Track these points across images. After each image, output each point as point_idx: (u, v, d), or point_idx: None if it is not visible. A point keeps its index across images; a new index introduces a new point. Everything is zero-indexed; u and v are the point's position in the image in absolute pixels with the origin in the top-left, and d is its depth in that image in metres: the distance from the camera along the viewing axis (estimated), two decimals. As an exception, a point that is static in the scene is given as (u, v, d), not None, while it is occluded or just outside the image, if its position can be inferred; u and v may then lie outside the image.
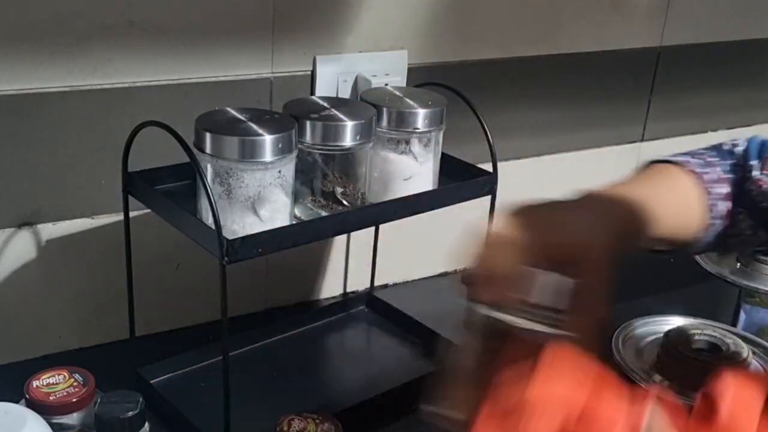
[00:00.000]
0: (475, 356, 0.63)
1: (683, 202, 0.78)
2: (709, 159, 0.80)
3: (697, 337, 0.99)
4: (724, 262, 1.31)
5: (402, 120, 0.92)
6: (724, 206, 0.78)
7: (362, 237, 1.14)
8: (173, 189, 0.91)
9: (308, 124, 0.86)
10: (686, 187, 0.78)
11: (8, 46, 0.87)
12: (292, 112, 0.87)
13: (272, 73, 1.03)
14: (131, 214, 0.90)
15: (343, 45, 1.07)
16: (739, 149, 0.80)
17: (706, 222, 0.77)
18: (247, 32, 1.00)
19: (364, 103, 0.94)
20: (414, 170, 0.94)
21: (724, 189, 0.78)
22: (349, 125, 0.86)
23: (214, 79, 0.99)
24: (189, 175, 0.86)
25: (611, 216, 0.68)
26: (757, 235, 0.78)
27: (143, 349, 0.94)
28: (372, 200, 0.92)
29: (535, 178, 1.34)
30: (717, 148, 0.82)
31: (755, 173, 0.77)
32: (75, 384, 0.79)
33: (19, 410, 0.72)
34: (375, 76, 1.08)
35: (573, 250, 0.62)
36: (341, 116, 0.87)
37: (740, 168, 0.78)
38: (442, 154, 0.98)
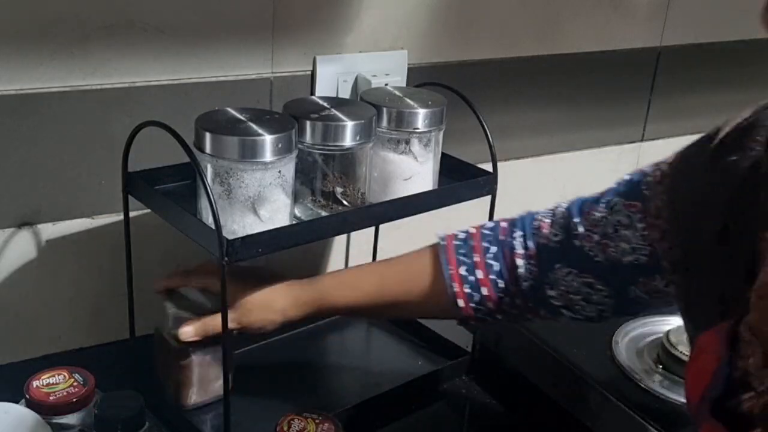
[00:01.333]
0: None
1: (412, 277, 0.87)
2: (478, 232, 0.85)
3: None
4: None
5: (402, 120, 0.92)
6: (495, 272, 0.83)
7: (362, 237, 1.14)
8: (173, 189, 0.91)
9: (308, 124, 0.86)
10: (422, 262, 0.86)
11: (8, 46, 0.87)
12: (292, 112, 0.87)
13: (272, 73, 1.03)
14: (131, 214, 0.90)
15: (343, 45, 1.07)
16: (561, 209, 0.83)
17: (449, 290, 0.83)
18: (247, 32, 1.00)
19: (364, 103, 0.94)
20: (414, 170, 0.94)
21: (479, 258, 0.83)
22: (349, 125, 0.86)
23: (214, 79, 0.99)
24: (189, 175, 0.86)
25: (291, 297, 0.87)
26: (595, 292, 0.78)
27: (143, 349, 0.94)
28: (372, 200, 0.92)
29: (535, 178, 1.34)
30: (511, 220, 0.86)
31: (580, 230, 0.78)
32: (75, 384, 0.79)
33: (19, 410, 0.72)
34: (375, 76, 1.08)
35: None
36: (341, 116, 0.87)
37: (565, 228, 0.80)
38: (442, 154, 0.98)
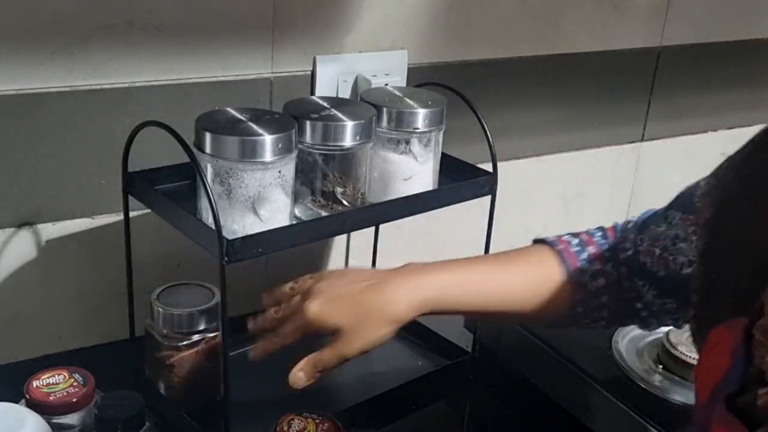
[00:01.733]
0: None
1: (540, 280, 0.83)
2: (591, 239, 0.85)
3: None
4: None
5: (402, 120, 0.92)
6: (603, 281, 0.83)
7: (362, 237, 1.14)
8: (173, 189, 0.91)
9: (308, 124, 0.85)
10: (547, 265, 0.84)
11: (8, 46, 0.87)
12: (292, 112, 0.87)
13: (272, 73, 1.03)
14: (131, 214, 0.90)
15: (343, 45, 1.07)
16: (629, 225, 0.85)
17: (572, 297, 0.82)
18: (247, 32, 1.00)
19: (364, 103, 0.94)
20: (414, 170, 0.94)
21: (600, 266, 0.83)
22: (349, 125, 0.86)
23: (214, 79, 0.99)
24: (189, 175, 0.86)
25: (414, 288, 0.79)
26: (666, 303, 0.81)
27: (143, 349, 0.94)
28: (372, 200, 0.92)
29: (535, 178, 1.34)
30: (603, 229, 0.87)
31: (641, 246, 0.81)
32: (75, 384, 0.79)
33: (19, 410, 0.72)
34: (375, 76, 1.08)
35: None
36: (341, 116, 0.87)
37: (630, 243, 0.82)
38: (442, 154, 0.98)
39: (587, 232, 0.87)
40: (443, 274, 0.82)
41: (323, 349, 0.79)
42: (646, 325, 0.85)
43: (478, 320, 1.00)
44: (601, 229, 0.87)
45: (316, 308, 0.79)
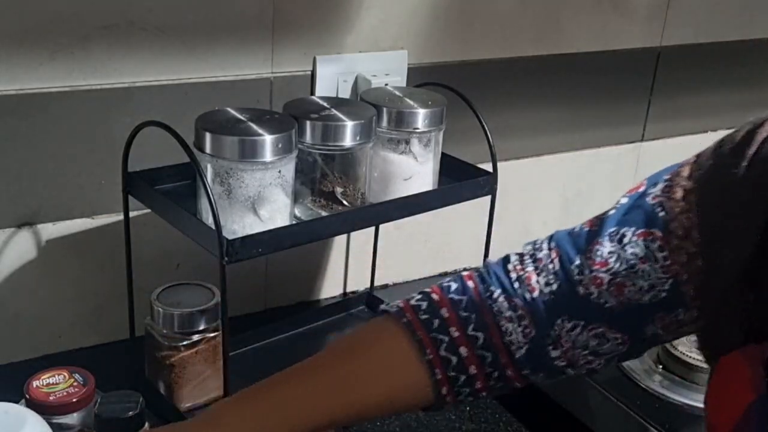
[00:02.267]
0: None
1: (386, 373, 0.68)
2: (445, 298, 0.69)
3: (696, 337, 0.99)
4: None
5: (402, 120, 0.92)
6: (478, 343, 0.67)
7: (362, 237, 1.14)
8: (173, 189, 0.91)
9: (308, 124, 0.86)
10: (392, 350, 0.68)
11: (8, 46, 0.87)
12: (292, 112, 0.87)
13: (272, 73, 1.03)
14: (131, 214, 0.90)
15: (343, 45, 1.07)
16: (543, 252, 0.69)
17: (436, 377, 0.67)
18: (247, 32, 1.00)
19: (364, 103, 0.94)
20: (414, 170, 0.94)
21: (456, 332, 0.67)
22: (349, 125, 0.86)
23: (214, 79, 0.99)
24: (189, 175, 0.86)
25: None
26: (607, 339, 0.66)
27: (143, 349, 0.94)
28: (372, 200, 0.92)
29: (535, 178, 1.34)
30: (458, 279, 0.71)
31: (586, 272, 0.65)
32: (75, 384, 0.79)
33: (19, 410, 0.72)
34: (375, 76, 1.08)
35: None
36: (341, 116, 0.87)
37: (561, 275, 0.66)
38: (442, 154, 0.98)
39: (440, 288, 0.70)
40: (245, 412, 0.65)
41: None
42: (552, 376, 0.71)
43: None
44: (456, 279, 0.71)
45: None
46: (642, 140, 1.45)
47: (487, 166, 0.98)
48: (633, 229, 0.64)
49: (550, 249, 0.68)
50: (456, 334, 0.67)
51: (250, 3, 0.98)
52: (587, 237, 0.67)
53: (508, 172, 1.06)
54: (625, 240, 0.64)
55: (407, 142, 0.93)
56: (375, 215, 0.93)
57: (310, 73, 1.06)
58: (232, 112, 0.85)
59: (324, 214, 0.87)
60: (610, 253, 0.64)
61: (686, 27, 1.41)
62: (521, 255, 0.70)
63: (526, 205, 1.34)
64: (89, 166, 0.95)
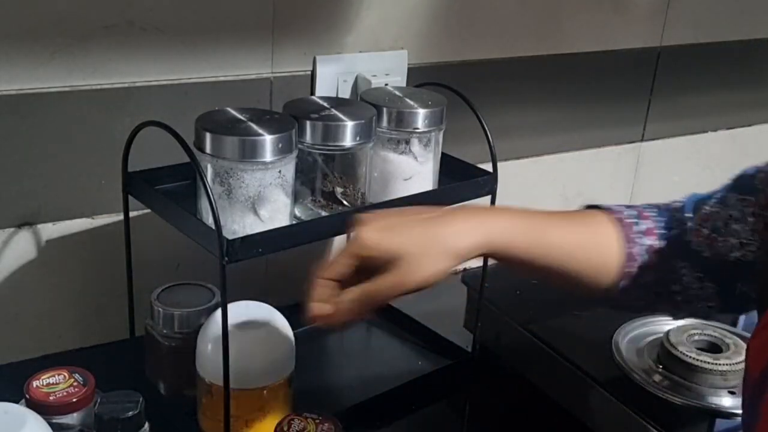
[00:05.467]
0: None
1: (597, 242, 0.79)
2: (644, 212, 0.81)
3: (697, 337, 0.99)
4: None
5: (402, 120, 0.92)
6: (652, 258, 0.78)
7: (362, 237, 1.14)
8: (173, 189, 0.91)
9: (308, 124, 0.86)
10: (605, 230, 0.79)
11: (8, 46, 0.87)
12: (292, 112, 0.87)
13: (272, 73, 1.03)
14: (131, 214, 0.90)
15: (343, 45, 1.07)
16: (677, 204, 0.81)
17: (623, 268, 0.78)
18: (247, 32, 1.00)
19: (364, 103, 0.94)
20: (414, 170, 0.94)
21: (652, 242, 0.78)
22: (349, 125, 0.86)
23: (214, 79, 0.99)
24: (189, 175, 0.86)
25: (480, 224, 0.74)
26: (704, 287, 0.78)
27: (143, 349, 0.94)
28: (372, 200, 0.92)
29: (535, 178, 1.34)
30: (657, 206, 0.83)
31: (690, 224, 0.77)
32: (75, 384, 0.79)
33: (19, 410, 0.72)
34: (375, 76, 1.08)
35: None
36: (341, 116, 0.87)
37: (677, 222, 0.79)
38: (442, 154, 0.98)
39: (641, 206, 0.83)
40: (509, 218, 0.77)
41: (377, 279, 0.70)
42: (677, 310, 0.82)
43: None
44: (654, 206, 0.83)
45: (372, 233, 0.71)
46: (642, 140, 1.45)
47: (487, 166, 0.98)
48: (736, 194, 0.76)
49: (680, 202, 0.81)
50: (649, 242, 0.79)
51: (250, 3, 0.98)
52: (705, 198, 0.79)
53: (508, 172, 1.06)
54: (728, 202, 0.76)
55: (407, 142, 0.93)
56: (375, 215, 0.93)
57: (310, 73, 1.06)
58: (232, 112, 0.85)
59: (324, 214, 0.87)
60: (713, 212, 0.77)
61: (686, 27, 1.41)
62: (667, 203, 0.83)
63: (526, 205, 1.33)
64: (89, 166, 0.95)
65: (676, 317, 0.86)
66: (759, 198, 0.74)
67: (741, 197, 0.76)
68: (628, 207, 0.82)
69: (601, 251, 0.78)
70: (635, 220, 0.80)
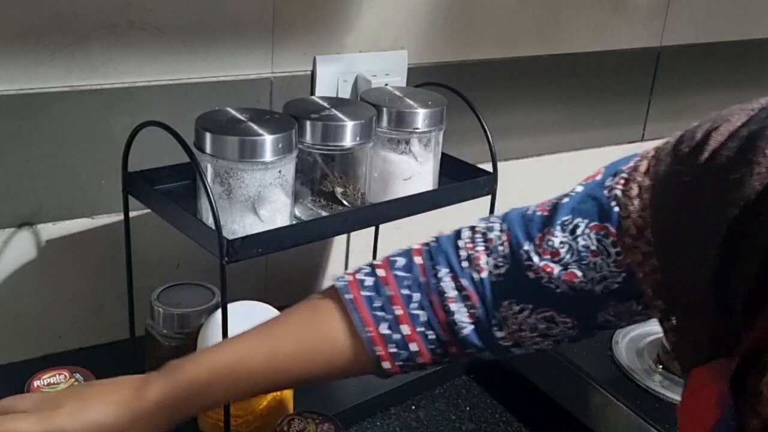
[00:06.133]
0: None
1: (320, 343, 0.68)
2: (389, 278, 0.69)
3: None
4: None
5: (402, 120, 0.92)
6: (408, 328, 0.67)
7: (362, 237, 1.14)
8: (173, 189, 0.91)
9: (308, 124, 0.86)
10: (329, 326, 0.68)
11: (8, 46, 0.87)
12: (292, 112, 0.87)
13: (272, 73, 1.03)
14: (131, 214, 0.90)
15: (343, 45, 1.07)
16: (495, 233, 0.67)
17: (370, 354, 0.67)
18: (247, 32, 1.00)
19: (364, 103, 0.94)
20: (414, 170, 0.94)
21: (399, 311, 0.67)
22: (349, 125, 0.86)
23: (214, 79, 0.99)
24: (189, 175, 0.86)
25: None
26: (557, 324, 0.64)
27: (143, 349, 0.94)
28: (372, 200, 0.92)
29: (535, 178, 1.34)
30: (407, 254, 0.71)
31: (536, 260, 0.63)
32: (75, 384, 0.79)
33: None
34: (375, 76, 1.08)
35: None
36: (341, 116, 0.87)
37: (509, 258, 0.65)
38: (442, 154, 0.98)
39: (387, 262, 0.70)
40: (191, 367, 0.67)
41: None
42: (497, 354, 0.68)
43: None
44: (405, 254, 0.71)
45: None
46: (642, 140, 1.45)
47: (487, 166, 0.98)
48: (586, 221, 0.62)
49: (501, 231, 0.67)
50: (399, 312, 0.67)
51: (250, 3, 0.98)
52: (540, 223, 0.65)
53: (508, 172, 1.06)
54: (578, 231, 0.62)
55: (407, 142, 0.93)
56: (375, 215, 0.93)
57: (310, 73, 1.06)
58: (232, 112, 0.85)
59: (324, 214, 0.87)
60: (561, 243, 0.62)
61: (686, 27, 1.41)
62: (473, 231, 0.69)
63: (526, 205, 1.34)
64: (89, 166, 0.95)
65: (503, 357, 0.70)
66: (624, 226, 0.60)
67: (594, 224, 0.62)
68: (370, 273, 0.69)
69: (332, 352, 0.68)
70: (371, 293, 0.68)
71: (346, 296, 0.68)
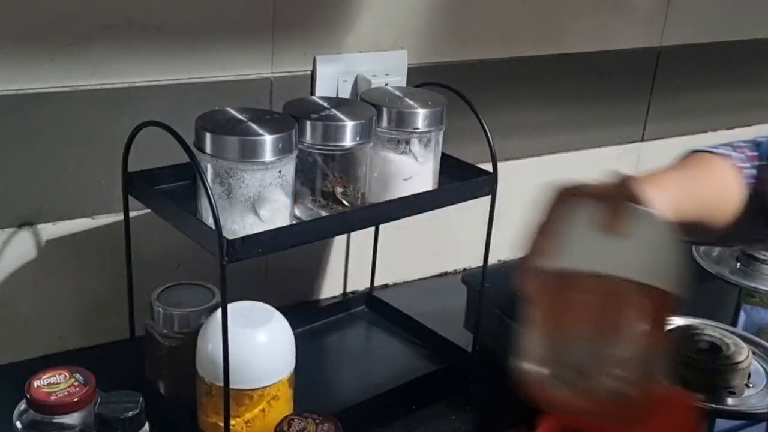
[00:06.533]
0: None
1: (722, 190, 0.82)
2: (749, 153, 0.84)
3: (697, 338, 0.99)
4: (724, 261, 1.31)
5: (402, 120, 0.92)
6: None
7: (362, 237, 1.14)
8: (173, 189, 0.91)
9: (308, 124, 0.86)
10: (726, 178, 0.82)
11: (8, 46, 0.87)
12: (292, 112, 0.87)
13: (272, 73, 1.03)
14: (131, 214, 0.90)
15: (343, 45, 1.07)
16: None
17: (740, 212, 0.81)
18: (247, 32, 1.00)
19: (364, 103, 0.94)
20: (414, 170, 0.94)
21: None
22: (349, 125, 0.86)
23: (214, 79, 0.99)
24: (189, 175, 0.86)
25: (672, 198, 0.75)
26: None
27: (143, 349, 0.94)
28: (372, 200, 0.92)
29: (535, 178, 1.33)
30: (754, 142, 0.86)
31: None
32: (76, 384, 0.79)
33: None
34: (375, 76, 1.08)
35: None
36: (341, 116, 0.87)
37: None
38: (442, 154, 0.98)
39: (744, 145, 0.86)
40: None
41: None
42: None
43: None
44: (754, 143, 0.86)
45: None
46: (642, 140, 1.45)
47: (487, 166, 0.98)
48: None
49: None
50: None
51: (250, 3, 0.98)
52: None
53: (508, 172, 1.06)
54: None
55: (407, 142, 0.93)
56: (375, 215, 0.93)
57: (310, 73, 1.06)
58: (232, 112, 0.85)
59: (324, 214, 0.87)
60: None
61: (686, 27, 1.41)
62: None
63: (527, 205, 1.34)
64: (89, 166, 0.95)
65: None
66: None
67: None
68: (734, 149, 0.85)
69: (723, 200, 0.82)
70: (745, 164, 0.83)
71: (729, 160, 0.83)
